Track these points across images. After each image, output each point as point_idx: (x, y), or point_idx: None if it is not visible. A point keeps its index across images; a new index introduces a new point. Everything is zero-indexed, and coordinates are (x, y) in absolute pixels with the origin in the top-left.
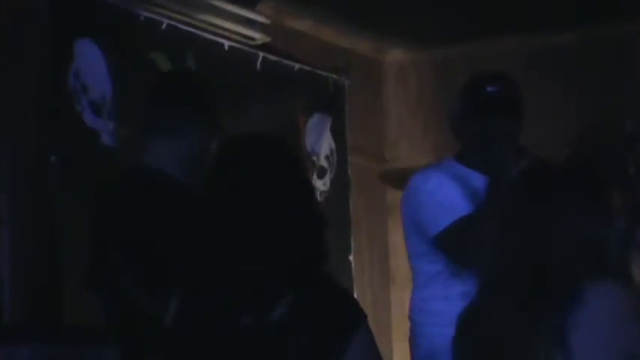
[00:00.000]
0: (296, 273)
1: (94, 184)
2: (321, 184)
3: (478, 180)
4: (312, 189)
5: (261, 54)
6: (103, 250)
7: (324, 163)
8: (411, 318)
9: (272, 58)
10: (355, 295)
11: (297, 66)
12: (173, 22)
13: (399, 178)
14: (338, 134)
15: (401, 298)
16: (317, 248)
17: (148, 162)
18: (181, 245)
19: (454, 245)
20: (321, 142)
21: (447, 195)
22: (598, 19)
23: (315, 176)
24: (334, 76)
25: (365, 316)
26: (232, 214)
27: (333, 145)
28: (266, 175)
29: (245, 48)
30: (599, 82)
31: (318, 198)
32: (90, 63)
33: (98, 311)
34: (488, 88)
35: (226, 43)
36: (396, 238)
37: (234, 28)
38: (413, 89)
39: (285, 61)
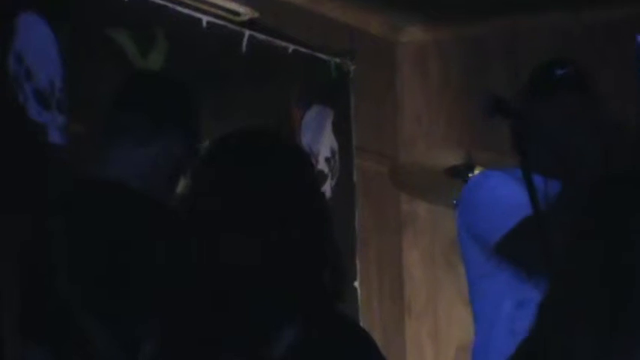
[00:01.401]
0: (301, 301)
1: (40, 190)
2: None
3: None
4: (323, 199)
5: (247, 32)
6: (49, 281)
7: (323, 166)
8: None
9: (260, 37)
10: None
11: (291, 47)
12: None
13: (415, 177)
14: (341, 131)
15: (417, 333)
16: (327, 273)
17: (106, 172)
18: (151, 273)
19: (518, 252)
20: (320, 141)
21: (512, 193)
22: None
23: None
24: (337, 60)
25: None
26: (221, 229)
27: (336, 145)
28: (267, 182)
29: (228, 25)
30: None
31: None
32: (36, 42)
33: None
34: (558, 71)
35: (205, 19)
36: (412, 259)
37: (215, 1)
38: (434, 77)
39: (277, 42)
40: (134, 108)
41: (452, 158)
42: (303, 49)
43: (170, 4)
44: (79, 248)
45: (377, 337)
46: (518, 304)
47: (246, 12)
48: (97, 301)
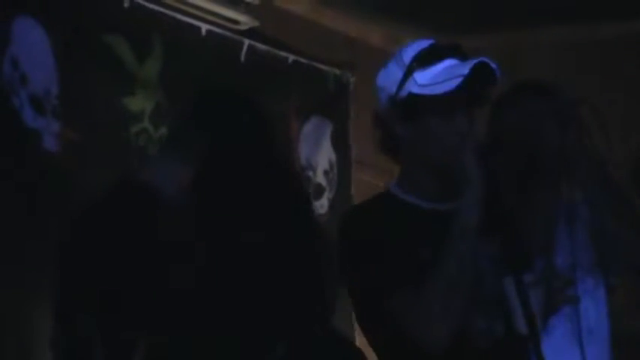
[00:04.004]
0: (291, 319)
1: (33, 196)
2: (317, 206)
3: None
4: (313, 217)
5: (246, 41)
6: (69, 276)
7: (321, 179)
8: None
9: (260, 46)
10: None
11: (290, 57)
12: None
13: None
14: (340, 144)
15: None
16: (318, 290)
17: (147, 178)
18: (154, 283)
19: None
20: (318, 154)
21: None
22: None
23: None
24: (337, 71)
25: None
26: (214, 253)
27: (334, 158)
28: (259, 201)
29: (227, 33)
30: None
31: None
32: (31, 47)
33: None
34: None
35: (204, 27)
36: None
37: (214, 9)
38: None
39: (276, 52)
40: (200, 126)
41: None
42: (302, 60)
43: (169, 12)
44: (94, 247)
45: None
46: None
47: (246, 21)
48: (95, 303)
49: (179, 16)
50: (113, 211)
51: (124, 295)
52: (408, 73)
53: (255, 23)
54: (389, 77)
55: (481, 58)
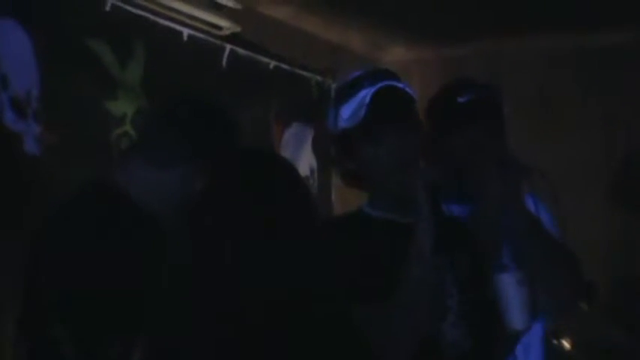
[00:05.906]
0: (289, 325)
1: (15, 200)
2: None
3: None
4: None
5: (228, 47)
6: (38, 284)
7: None
8: None
9: (242, 52)
10: None
11: (272, 63)
12: (119, 3)
13: None
14: (321, 150)
15: None
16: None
17: (117, 182)
18: (138, 291)
19: None
20: (299, 160)
21: None
22: (622, 21)
23: None
24: (319, 77)
25: None
26: (213, 255)
27: (315, 164)
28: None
29: (209, 38)
30: (629, 86)
31: None
32: (12, 49)
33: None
34: (459, 99)
35: (185, 32)
36: None
37: (196, 14)
38: (416, 95)
39: (258, 57)
40: (173, 131)
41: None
42: (284, 66)
43: (151, 16)
44: (62, 253)
45: None
46: None
47: (228, 26)
48: (69, 313)
49: (161, 21)
50: (87, 215)
51: (96, 300)
52: (336, 110)
53: (237, 29)
54: (329, 118)
55: (382, 83)
